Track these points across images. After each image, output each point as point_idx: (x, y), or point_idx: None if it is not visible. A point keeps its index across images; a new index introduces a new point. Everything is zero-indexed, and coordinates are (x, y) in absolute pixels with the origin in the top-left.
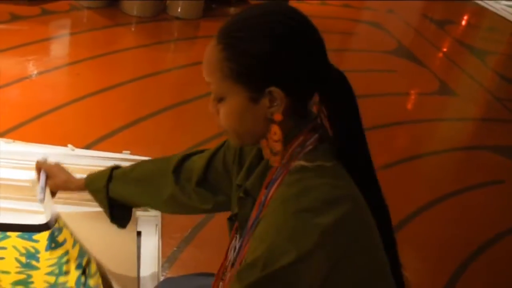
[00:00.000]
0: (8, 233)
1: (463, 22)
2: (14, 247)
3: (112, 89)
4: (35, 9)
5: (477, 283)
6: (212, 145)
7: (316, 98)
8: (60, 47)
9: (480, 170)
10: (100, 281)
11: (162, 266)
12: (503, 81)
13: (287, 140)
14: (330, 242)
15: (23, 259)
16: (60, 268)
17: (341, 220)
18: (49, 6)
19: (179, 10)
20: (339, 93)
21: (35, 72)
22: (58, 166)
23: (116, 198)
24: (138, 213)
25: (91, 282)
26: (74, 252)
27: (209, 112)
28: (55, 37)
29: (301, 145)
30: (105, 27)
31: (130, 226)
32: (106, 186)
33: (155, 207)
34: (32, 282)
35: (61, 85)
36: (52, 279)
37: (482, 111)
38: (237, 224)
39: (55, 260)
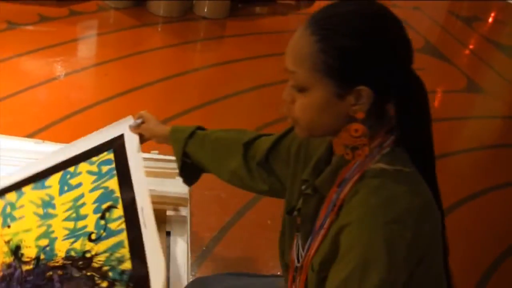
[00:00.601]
0: (23, 189)
1: (490, 19)
2: (31, 201)
3: (140, 89)
4: (63, 10)
5: (509, 282)
6: None
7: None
8: (87, 48)
9: (510, 168)
10: (124, 225)
11: (191, 266)
12: None
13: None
14: (413, 254)
15: (40, 211)
16: (77, 211)
17: (422, 232)
18: (76, 7)
19: (205, 9)
20: (416, 98)
21: (64, 72)
22: (152, 116)
23: (191, 155)
24: (168, 212)
25: (112, 226)
26: (91, 196)
27: (282, 99)
28: (83, 38)
29: (378, 146)
30: (132, 27)
31: (159, 226)
32: (186, 139)
33: (220, 175)
34: (53, 232)
35: (89, 86)
36: (70, 224)
37: (510, 109)
38: (300, 220)
39: (70, 204)
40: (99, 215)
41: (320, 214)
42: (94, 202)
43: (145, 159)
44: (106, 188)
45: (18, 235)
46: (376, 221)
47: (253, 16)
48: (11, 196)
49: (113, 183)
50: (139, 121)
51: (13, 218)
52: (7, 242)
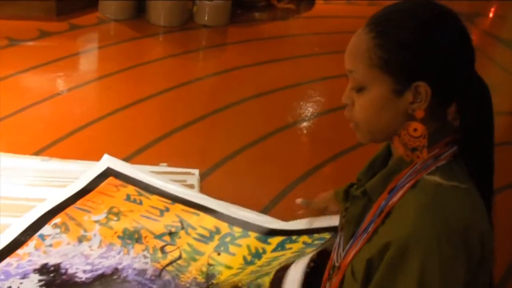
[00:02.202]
0: (249, 232)
1: (491, 14)
2: (248, 246)
3: (144, 101)
4: (63, 25)
5: None
6: (250, 154)
7: (453, 107)
8: (89, 62)
9: None
10: None
11: None
12: None
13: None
14: (465, 275)
15: (249, 258)
16: (269, 264)
17: (474, 254)
18: (76, 21)
19: (206, 18)
20: (477, 103)
21: (66, 88)
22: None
23: None
24: None
25: None
26: (288, 256)
27: (343, 102)
28: (84, 52)
29: (435, 156)
30: (133, 38)
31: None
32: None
33: None
34: (240, 273)
35: (93, 100)
36: (253, 276)
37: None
38: (344, 220)
39: (271, 259)
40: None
41: (366, 217)
42: (285, 260)
43: (156, 172)
44: (304, 253)
45: (221, 266)
46: (430, 244)
47: (254, 22)
48: (237, 230)
49: (310, 251)
50: (301, 202)
51: (227, 250)
52: (209, 265)
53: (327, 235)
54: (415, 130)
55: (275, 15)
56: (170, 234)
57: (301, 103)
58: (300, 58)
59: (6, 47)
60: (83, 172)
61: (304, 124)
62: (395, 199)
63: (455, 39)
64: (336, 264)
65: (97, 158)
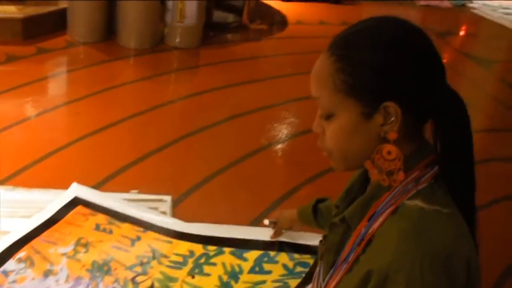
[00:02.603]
0: (224, 249)
1: (462, 32)
2: (223, 264)
3: (114, 126)
4: (30, 49)
5: None
6: (224, 178)
7: (430, 126)
8: (58, 86)
9: (497, 184)
10: None
11: None
12: None
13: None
14: None
15: (225, 278)
16: None
17: (459, 281)
18: (44, 44)
19: (177, 40)
20: (454, 118)
21: (34, 113)
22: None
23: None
24: None
25: None
26: (270, 286)
27: (314, 131)
28: (52, 76)
29: (415, 180)
30: (103, 62)
31: None
32: (314, 219)
33: None
34: None
35: (62, 125)
36: None
37: (493, 122)
38: (324, 249)
39: (250, 285)
40: None
41: (346, 246)
42: None
43: (127, 200)
44: (286, 284)
45: None
46: (413, 272)
47: (226, 44)
48: (212, 248)
49: (294, 283)
50: (268, 224)
51: (201, 271)
52: None
53: (308, 259)
54: (388, 153)
55: (247, 36)
56: (142, 264)
57: (275, 125)
58: (273, 79)
59: None
60: (50, 201)
61: (279, 146)
62: (375, 226)
63: (420, 55)
64: None
65: (65, 186)
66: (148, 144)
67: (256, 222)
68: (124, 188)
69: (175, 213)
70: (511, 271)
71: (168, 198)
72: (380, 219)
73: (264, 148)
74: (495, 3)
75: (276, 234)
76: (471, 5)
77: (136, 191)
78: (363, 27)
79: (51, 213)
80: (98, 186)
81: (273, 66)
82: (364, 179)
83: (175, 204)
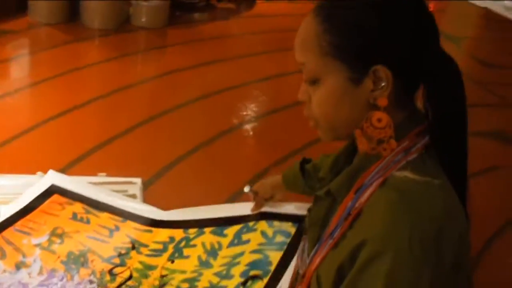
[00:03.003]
0: (205, 229)
1: (431, 8)
2: (203, 243)
3: (80, 108)
4: None
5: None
6: (195, 159)
7: (421, 92)
8: (20, 68)
9: (475, 158)
10: None
11: None
12: (483, 65)
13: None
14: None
15: (204, 257)
16: (228, 269)
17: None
18: (5, 26)
19: (143, 19)
20: (447, 83)
21: None
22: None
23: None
24: None
25: None
26: (249, 258)
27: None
28: (14, 58)
29: (405, 150)
30: (66, 43)
31: None
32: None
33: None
34: (198, 280)
35: (25, 109)
36: (215, 279)
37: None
38: (307, 222)
39: (229, 260)
40: (242, 280)
41: (332, 221)
42: (247, 265)
43: (95, 183)
44: (266, 256)
45: (174, 273)
46: (402, 247)
47: (193, 23)
48: (192, 231)
49: (275, 256)
50: (248, 191)
51: (181, 255)
52: (161, 277)
53: (289, 227)
54: (379, 120)
55: (215, 15)
56: (120, 255)
57: (246, 104)
58: (243, 58)
59: None
60: (17, 186)
61: (250, 125)
62: (362, 199)
63: (411, 15)
64: (300, 272)
65: (30, 171)
66: (116, 126)
67: (230, 202)
68: (91, 172)
69: (146, 195)
70: (489, 246)
71: (138, 180)
72: (368, 192)
73: (236, 128)
74: None
75: (258, 205)
76: None
77: (104, 174)
78: None
79: (26, 202)
80: (64, 170)
81: (242, 45)
82: (352, 150)
83: (145, 187)
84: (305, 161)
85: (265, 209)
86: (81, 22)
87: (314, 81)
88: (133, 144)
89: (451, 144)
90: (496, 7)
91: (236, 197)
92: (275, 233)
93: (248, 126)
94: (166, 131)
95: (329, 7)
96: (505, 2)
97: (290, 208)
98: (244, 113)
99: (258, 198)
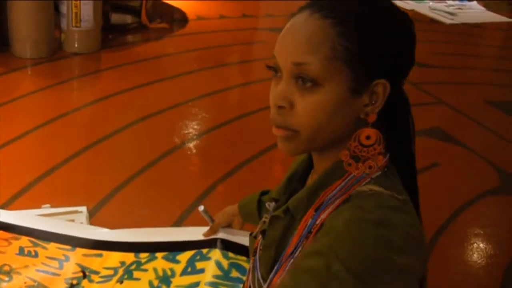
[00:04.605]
0: (156, 254)
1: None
2: (155, 269)
3: (17, 141)
4: None
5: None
6: (140, 182)
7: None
8: None
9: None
10: None
11: None
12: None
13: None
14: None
15: (155, 283)
16: None
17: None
18: None
19: (75, 45)
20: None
21: None
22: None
23: None
24: None
25: None
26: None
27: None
28: None
29: (368, 167)
30: None
31: None
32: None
33: None
34: None
35: None
36: None
37: None
38: (259, 244)
39: None
40: None
41: (292, 240)
42: None
43: (41, 215)
44: None
45: None
46: (368, 257)
47: (127, 45)
48: (144, 256)
49: None
50: (202, 210)
51: (131, 276)
52: None
53: (244, 262)
54: (367, 137)
55: (148, 36)
56: (72, 286)
57: (187, 122)
58: (179, 77)
59: None
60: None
61: (194, 143)
62: (324, 215)
63: (412, 32)
64: None
65: None
66: (56, 156)
67: (179, 223)
68: (35, 205)
69: (93, 223)
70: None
71: (83, 208)
72: (330, 208)
73: (178, 147)
74: None
75: (211, 231)
76: None
77: (48, 205)
78: None
79: None
80: (6, 205)
81: (178, 63)
82: (306, 168)
83: (91, 214)
84: (263, 193)
85: (220, 235)
86: (11, 52)
87: (312, 85)
88: (75, 172)
89: (406, 160)
90: (421, 9)
91: (185, 216)
92: (230, 265)
93: (191, 144)
94: (108, 156)
95: (341, 11)
96: (430, 3)
97: (245, 239)
98: (186, 131)
99: (215, 225)
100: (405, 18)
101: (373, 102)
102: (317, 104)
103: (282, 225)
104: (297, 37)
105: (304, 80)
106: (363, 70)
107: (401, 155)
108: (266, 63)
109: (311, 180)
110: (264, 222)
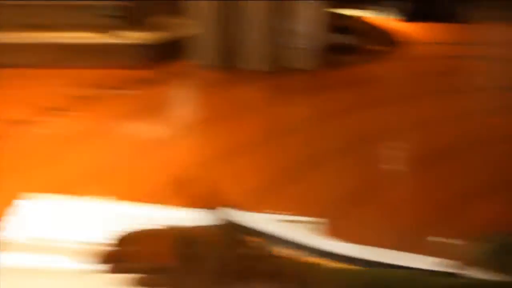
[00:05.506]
0: None
1: None
2: None
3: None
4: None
5: None
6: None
7: None
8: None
9: None
10: None
11: None
12: None
13: None
14: None
15: None
16: None
17: None
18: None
19: (297, 62)
20: None
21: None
22: None
23: None
24: None
25: None
26: None
27: None
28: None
29: None
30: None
31: None
32: None
33: None
34: None
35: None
36: None
37: None
38: None
39: None
40: None
41: None
42: None
43: (280, 221)
44: None
45: None
46: None
47: (347, 66)
48: None
49: None
50: None
51: None
52: None
53: None
54: None
55: (367, 58)
56: None
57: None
58: (399, 102)
59: None
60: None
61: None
62: None
63: None
64: None
65: None
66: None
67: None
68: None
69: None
70: None
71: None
72: None
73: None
74: None
75: None
76: None
77: (286, 213)
78: None
79: None
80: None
81: (397, 88)
82: None
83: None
84: None
85: None
86: (237, 64)
87: None
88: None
89: None
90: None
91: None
92: None
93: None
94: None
95: None
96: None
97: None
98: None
99: None
100: None
101: None
102: None
103: None
104: None
105: None
106: None
107: None
108: None
109: None
110: None
